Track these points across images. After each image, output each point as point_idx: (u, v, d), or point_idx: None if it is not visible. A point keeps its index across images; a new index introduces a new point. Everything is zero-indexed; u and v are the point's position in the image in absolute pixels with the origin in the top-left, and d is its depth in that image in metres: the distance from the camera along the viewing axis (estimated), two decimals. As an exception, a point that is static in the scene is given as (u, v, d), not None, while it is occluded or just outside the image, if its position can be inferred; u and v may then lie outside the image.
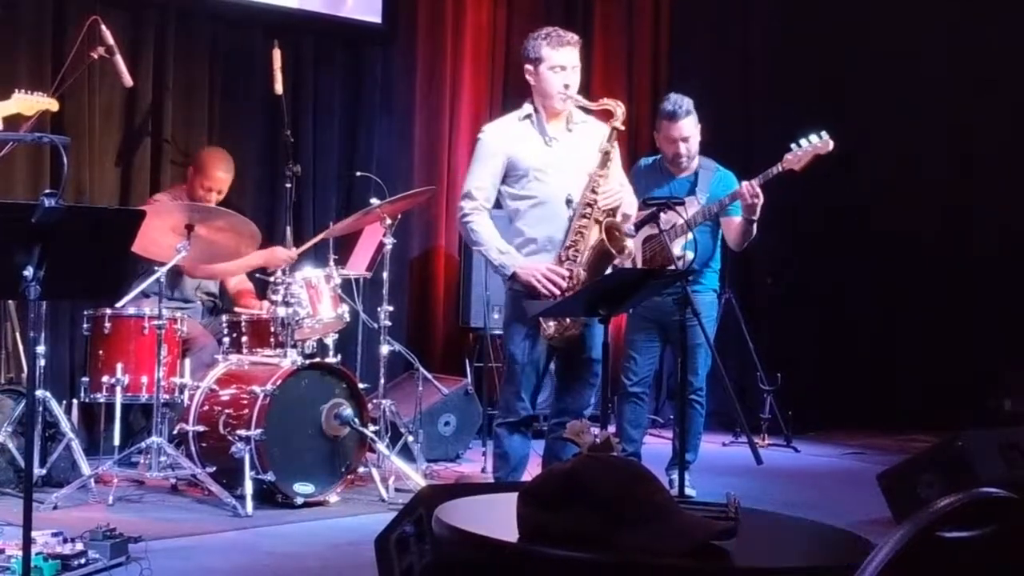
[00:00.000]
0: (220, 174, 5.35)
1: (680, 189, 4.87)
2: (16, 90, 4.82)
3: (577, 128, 4.11)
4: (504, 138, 4.07)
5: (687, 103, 4.88)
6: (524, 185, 4.03)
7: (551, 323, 3.93)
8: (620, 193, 4.01)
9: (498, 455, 4.07)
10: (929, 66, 7.52)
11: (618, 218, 4.01)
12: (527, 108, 4.10)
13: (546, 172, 4.01)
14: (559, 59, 4.02)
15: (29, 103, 4.80)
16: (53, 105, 4.93)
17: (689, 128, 4.87)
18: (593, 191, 3.94)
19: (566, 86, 4.01)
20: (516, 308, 4.00)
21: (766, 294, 7.55)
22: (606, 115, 4.02)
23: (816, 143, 4.69)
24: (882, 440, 6.96)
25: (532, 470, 4.08)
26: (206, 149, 5.66)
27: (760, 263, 7.38)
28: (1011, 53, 7.24)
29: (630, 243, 4.00)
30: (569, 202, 3.97)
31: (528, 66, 4.07)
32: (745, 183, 4.66)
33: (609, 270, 3.96)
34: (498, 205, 4.17)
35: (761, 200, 4.64)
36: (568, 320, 3.92)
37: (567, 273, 3.89)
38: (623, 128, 4.06)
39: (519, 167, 4.03)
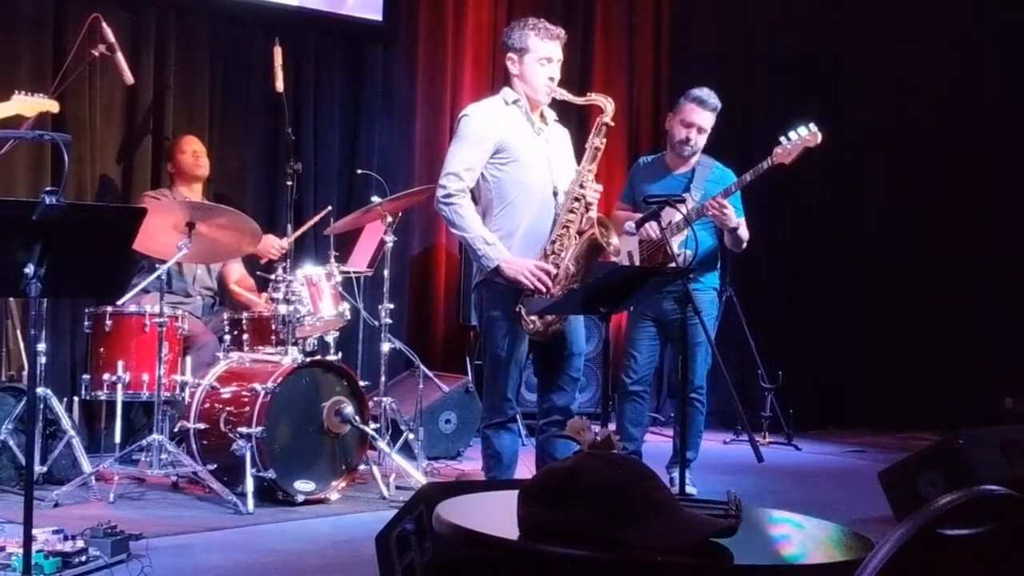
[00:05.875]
0: (193, 144, 5.60)
1: (676, 186, 4.87)
2: (16, 92, 4.81)
3: (550, 125, 4.09)
4: (495, 121, 3.96)
5: (716, 99, 4.90)
6: (513, 171, 3.93)
7: (536, 319, 3.85)
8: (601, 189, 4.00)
9: (490, 456, 3.98)
10: (930, 63, 7.51)
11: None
12: (511, 94, 4.01)
13: (534, 160, 3.95)
14: (546, 51, 3.97)
15: (29, 104, 4.79)
16: (54, 107, 4.93)
17: (708, 121, 4.89)
18: (581, 186, 3.92)
19: (551, 79, 3.97)
20: (496, 303, 3.91)
21: (767, 292, 7.55)
22: (596, 111, 3.99)
23: (805, 136, 4.70)
24: (883, 438, 6.97)
25: (528, 468, 4.07)
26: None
27: (761, 262, 7.37)
28: (1011, 50, 7.24)
29: (615, 239, 3.94)
30: (556, 193, 3.94)
31: (511, 55, 4.00)
32: (708, 201, 4.68)
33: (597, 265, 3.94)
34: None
35: (728, 210, 4.67)
36: (553, 315, 3.86)
37: (554, 270, 3.85)
38: (612, 124, 4.00)
39: (509, 152, 3.93)
